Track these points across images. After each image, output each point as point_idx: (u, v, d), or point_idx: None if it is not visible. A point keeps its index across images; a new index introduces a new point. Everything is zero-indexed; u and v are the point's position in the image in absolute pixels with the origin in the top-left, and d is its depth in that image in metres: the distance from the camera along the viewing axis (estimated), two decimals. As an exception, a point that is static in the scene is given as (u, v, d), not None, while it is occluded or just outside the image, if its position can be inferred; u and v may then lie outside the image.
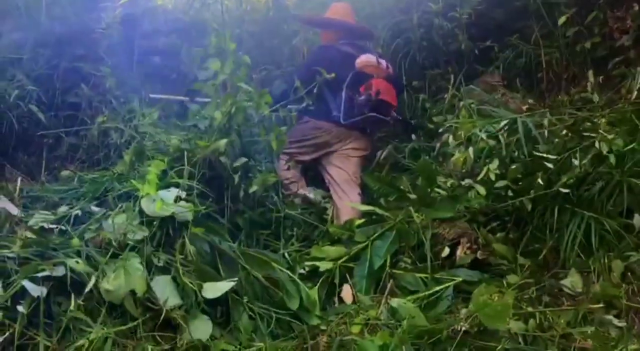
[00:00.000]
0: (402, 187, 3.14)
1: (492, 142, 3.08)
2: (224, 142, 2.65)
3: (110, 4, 3.32)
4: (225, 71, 2.78)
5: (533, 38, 4.10)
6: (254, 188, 2.76)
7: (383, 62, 3.64)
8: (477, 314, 2.09)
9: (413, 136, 3.71)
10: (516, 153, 3.08)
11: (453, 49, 4.23)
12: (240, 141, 2.85)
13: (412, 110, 4.02)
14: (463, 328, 2.04)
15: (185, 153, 2.71)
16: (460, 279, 2.58)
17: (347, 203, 3.30)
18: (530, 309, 2.21)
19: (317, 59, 3.74)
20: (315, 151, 3.60)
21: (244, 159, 2.76)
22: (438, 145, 3.52)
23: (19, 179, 2.61)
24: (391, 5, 4.36)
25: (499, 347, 2.00)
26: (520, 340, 2.09)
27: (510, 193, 2.93)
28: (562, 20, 3.80)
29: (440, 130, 3.68)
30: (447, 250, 2.71)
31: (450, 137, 3.50)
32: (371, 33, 4.04)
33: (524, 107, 3.85)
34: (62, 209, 2.53)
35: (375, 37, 4.15)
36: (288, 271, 2.58)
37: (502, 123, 3.05)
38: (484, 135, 3.01)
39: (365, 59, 3.62)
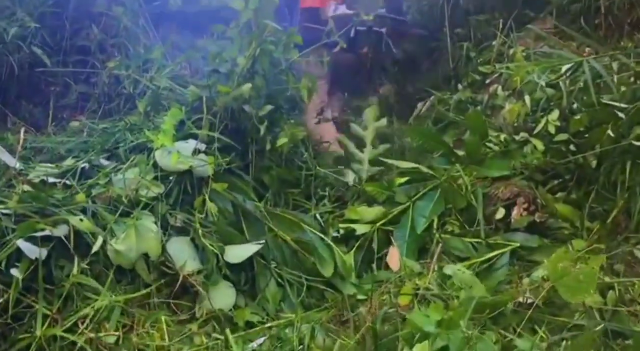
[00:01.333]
0: (448, 142, 2.81)
1: (550, 91, 2.72)
2: (248, 87, 2.34)
3: None
4: (250, 7, 2.44)
5: (591, -21, 3.68)
6: (281, 141, 2.45)
7: None
8: (544, 285, 1.78)
9: (459, 85, 3.33)
10: (575, 104, 2.72)
11: (500, -8, 3.84)
12: (266, 88, 2.53)
13: (456, 60, 3.64)
14: (529, 301, 1.73)
15: (205, 101, 2.39)
16: (517, 244, 2.26)
17: None
18: (607, 279, 1.88)
19: None
20: None
21: (269, 107, 2.44)
22: (486, 96, 3.15)
23: (22, 130, 2.34)
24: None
25: (573, 323, 1.69)
26: (597, 314, 1.76)
27: (572, 147, 2.58)
28: (626, -44, 3.36)
29: (488, 80, 3.33)
30: (501, 212, 2.37)
31: (500, 88, 3.16)
32: None
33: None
34: (68, 162, 2.26)
35: None
36: (320, 234, 2.28)
37: (564, 68, 2.67)
38: (542, 82, 2.64)
39: None
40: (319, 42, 3.33)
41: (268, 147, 2.46)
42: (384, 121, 3.05)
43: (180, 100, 2.61)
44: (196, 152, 2.26)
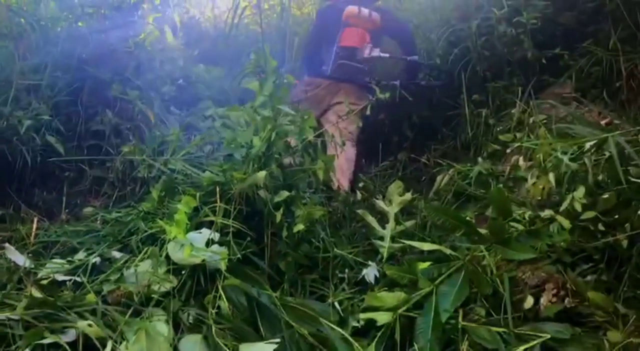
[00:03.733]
0: (470, 217, 2.72)
1: (574, 165, 2.63)
2: (263, 174, 2.29)
3: (137, 19, 3.02)
4: (265, 92, 2.42)
5: (611, 43, 3.63)
6: (298, 227, 2.38)
7: (365, 12, 3.73)
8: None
9: (479, 159, 3.26)
10: (601, 177, 2.63)
11: (518, 58, 3.81)
12: (282, 172, 2.48)
13: (475, 127, 3.58)
14: None
15: (220, 187, 2.35)
16: (548, 336, 2.12)
17: None
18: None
19: (318, 21, 4.06)
20: (312, 108, 3.53)
21: (286, 193, 2.39)
22: (508, 168, 3.08)
23: (35, 221, 2.31)
24: (447, 13, 3.95)
25: None
26: None
27: (600, 226, 2.46)
28: (647, 20, 3.32)
29: (509, 150, 3.26)
30: (530, 301, 2.25)
31: (521, 159, 3.09)
32: None
33: (603, 122, 3.38)
34: (80, 255, 2.22)
35: None
36: (339, 329, 2.17)
37: (589, 144, 2.59)
38: (566, 159, 2.55)
39: (346, 11, 3.74)
40: (353, 79, 3.55)
41: (285, 234, 2.39)
42: (408, 196, 2.99)
43: (196, 183, 2.58)
44: (210, 242, 2.19)
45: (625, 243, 2.39)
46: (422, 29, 3.98)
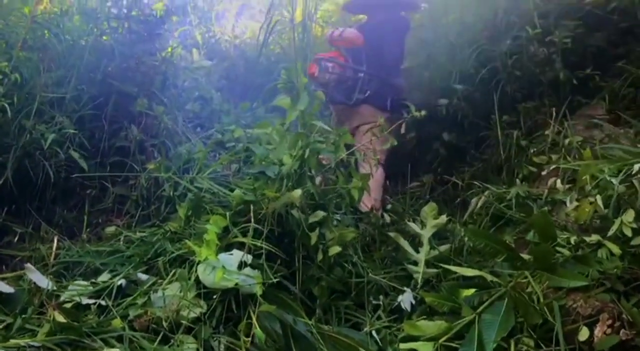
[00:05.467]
0: (509, 242, 2.58)
1: (620, 188, 2.50)
2: (299, 193, 2.16)
3: (164, 32, 2.93)
4: (299, 107, 2.31)
5: (646, 63, 3.53)
6: (334, 250, 2.24)
7: (335, 33, 3.65)
8: None
9: (517, 181, 3.13)
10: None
11: (549, 79, 3.70)
12: (315, 191, 2.36)
13: (507, 149, 3.45)
14: None
15: (252, 206, 2.22)
16: (607, 372, 1.97)
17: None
18: None
19: None
20: None
21: (322, 213, 2.26)
22: (546, 191, 2.94)
23: (55, 240, 2.18)
24: (476, 33, 3.85)
25: None
26: None
27: (652, 252, 2.32)
28: (685, 40, 3.22)
29: (544, 172, 3.13)
30: (586, 332, 2.09)
31: (559, 182, 2.96)
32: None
33: (640, 144, 3.26)
34: (104, 277, 2.08)
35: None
36: (380, 359, 2.03)
37: (637, 166, 2.46)
38: (616, 182, 2.42)
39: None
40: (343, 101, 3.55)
41: (320, 257, 2.25)
42: (443, 218, 2.85)
43: (223, 203, 2.45)
44: (242, 265, 2.06)
45: (679, 270, 2.25)
46: (451, 49, 3.87)
